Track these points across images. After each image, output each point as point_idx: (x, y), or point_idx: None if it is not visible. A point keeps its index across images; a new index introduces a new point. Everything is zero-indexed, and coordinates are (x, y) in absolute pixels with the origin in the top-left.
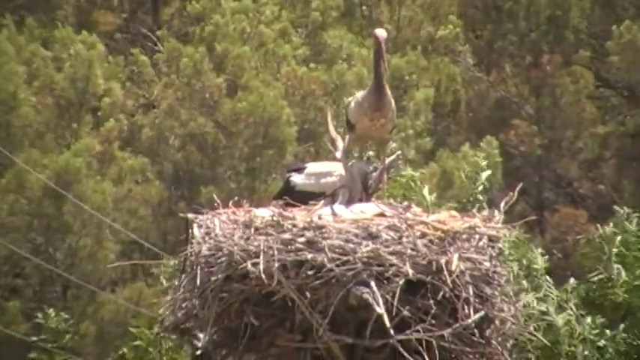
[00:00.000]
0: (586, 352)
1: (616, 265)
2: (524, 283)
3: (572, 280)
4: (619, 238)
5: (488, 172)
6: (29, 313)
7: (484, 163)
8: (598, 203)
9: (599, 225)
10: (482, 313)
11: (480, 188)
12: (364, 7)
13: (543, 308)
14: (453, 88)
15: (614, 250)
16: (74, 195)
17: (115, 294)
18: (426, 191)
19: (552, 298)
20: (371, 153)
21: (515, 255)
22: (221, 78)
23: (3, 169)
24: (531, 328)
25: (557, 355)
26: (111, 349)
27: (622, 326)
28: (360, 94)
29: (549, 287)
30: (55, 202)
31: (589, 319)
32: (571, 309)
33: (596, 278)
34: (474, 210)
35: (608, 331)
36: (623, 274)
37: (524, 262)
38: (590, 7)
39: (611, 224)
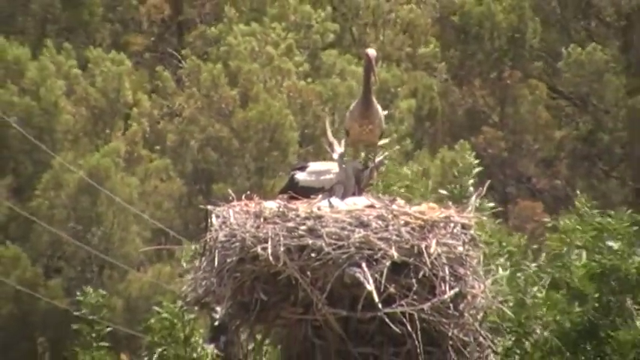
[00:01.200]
0: (539, 330)
1: (576, 251)
2: (502, 260)
3: (543, 256)
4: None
5: (480, 168)
6: (71, 289)
7: (475, 162)
8: (553, 196)
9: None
10: (456, 289)
11: (471, 182)
12: (354, 30)
13: (519, 283)
14: (430, 97)
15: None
16: (107, 190)
17: (142, 273)
18: (429, 183)
19: (528, 275)
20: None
21: (494, 238)
22: (234, 91)
23: (45, 168)
24: (499, 303)
25: (527, 327)
26: (138, 319)
27: (576, 304)
28: (352, 105)
29: (527, 265)
30: (89, 197)
31: (544, 293)
32: (542, 286)
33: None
34: (474, 197)
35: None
36: (584, 257)
37: (504, 244)
38: (545, 30)
39: (570, 217)
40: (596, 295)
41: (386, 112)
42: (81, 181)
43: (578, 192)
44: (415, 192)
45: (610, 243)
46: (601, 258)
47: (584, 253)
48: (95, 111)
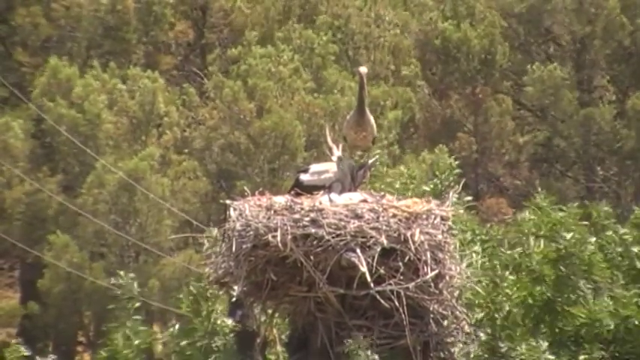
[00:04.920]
0: (508, 306)
1: (532, 239)
2: (476, 248)
3: (519, 249)
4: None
5: (458, 170)
6: (112, 272)
7: (455, 163)
8: (516, 193)
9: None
10: (436, 271)
11: (451, 179)
12: (350, 53)
13: (489, 266)
14: (411, 109)
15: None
16: (143, 188)
17: (174, 258)
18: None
19: (502, 260)
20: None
21: (469, 228)
22: (251, 104)
23: (90, 169)
24: (472, 283)
25: (496, 303)
26: (170, 297)
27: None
28: (349, 115)
29: (502, 252)
30: (128, 193)
31: (512, 278)
32: (514, 270)
33: (517, 250)
34: (451, 193)
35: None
36: (542, 245)
37: (477, 231)
38: (511, 52)
39: (530, 211)
40: (553, 277)
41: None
42: (121, 180)
43: (539, 189)
44: (401, 190)
45: (564, 233)
46: (557, 245)
47: (541, 241)
48: (133, 121)
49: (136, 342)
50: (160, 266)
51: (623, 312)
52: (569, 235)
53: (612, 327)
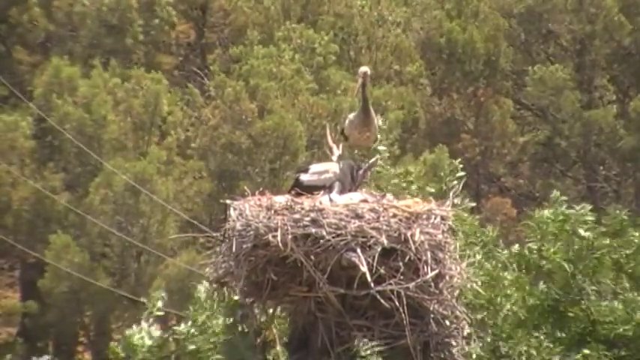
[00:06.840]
0: (509, 305)
1: (549, 237)
2: (477, 248)
3: (516, 246)
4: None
5: (463, 173)
6: (114, 272)
7: (461, 165)
8: (518, 192)
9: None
10: (436, 271)
11: (454, 182)
12: (352, 52)
13: (489, 267)
14: (414, 111)
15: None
16: (148, 190)
17: (178, 258)
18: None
19: (500, 260)
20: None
21: (469, 229)
22: (253, 104)
23: (96, 171)
24: (473, 283)
25: (497, 304)
26: (173, 298)
27: (542, 282)
28: (352, 115)
29: (499, 252)
30: (133, 194)
31: (514, 275)
32: (513, 269)
33: (528, 246)
34: (451, 194)
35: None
36: (558, 244)
37: (478, 233)
38: (514, 52)
39: (548, 210)
40: (562, 277)
41: (381, 122)
42: (126, 182)
43: (554, 190)
44: (402, 189)
45: (580, 231)
46: (570, 246)
47: (557, 242)
48: (136, 121)
49: (149, 343)
50: (163, 266)
51: (636, 316)
52: (585, 234)
53: (620, 330)
